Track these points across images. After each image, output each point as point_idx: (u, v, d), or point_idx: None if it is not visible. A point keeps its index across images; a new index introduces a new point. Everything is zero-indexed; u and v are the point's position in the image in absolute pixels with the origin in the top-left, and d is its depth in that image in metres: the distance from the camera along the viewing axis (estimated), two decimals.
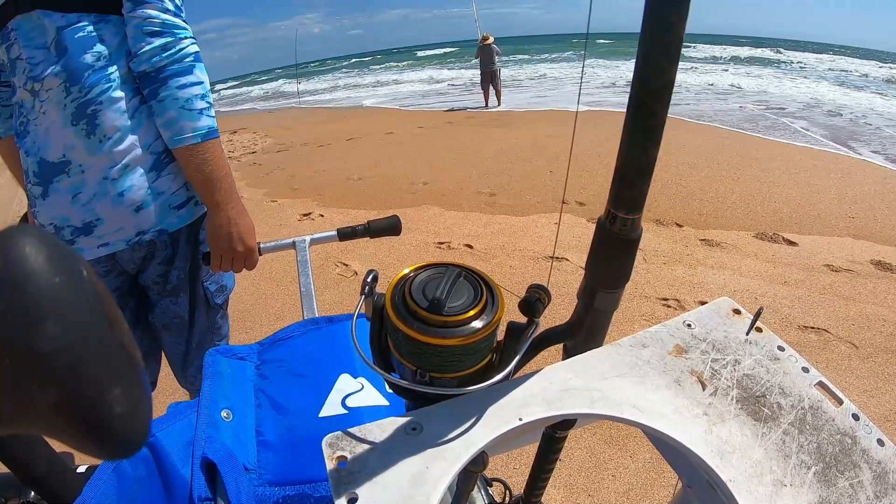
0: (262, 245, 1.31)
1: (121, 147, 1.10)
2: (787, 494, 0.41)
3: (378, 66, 38.21)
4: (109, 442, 0.27)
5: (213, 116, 1.17)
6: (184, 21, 1.12)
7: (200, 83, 1.13)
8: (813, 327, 2.80)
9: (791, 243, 3.83)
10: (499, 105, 12.20)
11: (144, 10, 1.06)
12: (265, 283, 3.65)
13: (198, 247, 1.32)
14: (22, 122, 1.14)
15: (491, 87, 12.13)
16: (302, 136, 9.96)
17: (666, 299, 3.10)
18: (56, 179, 1.10)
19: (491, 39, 11.71)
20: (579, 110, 10.61)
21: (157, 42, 1.07)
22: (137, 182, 1.12)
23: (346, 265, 3.80)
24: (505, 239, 4.11)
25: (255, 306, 3.37)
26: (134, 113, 1.12)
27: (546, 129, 8.47)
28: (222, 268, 1.25)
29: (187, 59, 1.11)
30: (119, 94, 1.10)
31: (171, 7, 1.09)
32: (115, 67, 1.10)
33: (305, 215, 5.07)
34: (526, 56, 30.48)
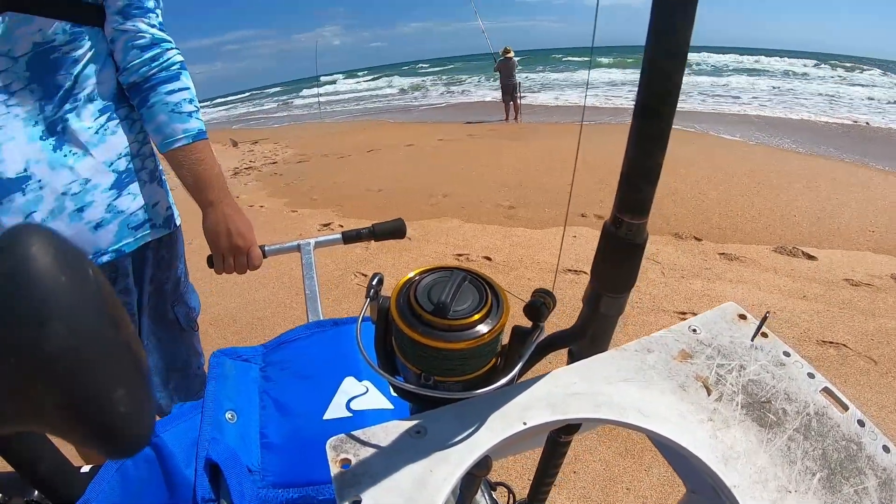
0: (266, 248, 1.31)
1: (83, 163, 1.09)
2: (792, 501, 0.41)
3: (399, 78, 38.47)
4: (113, 441, 0.27)
5: (202, 120, 1.21)
6: (168, 35, 1.18)
7: (188, 88, 1.18)
8: (832, 342, 2.76)
9: (810, 257, 3.80)
10: (518, 118, 12.22)
11: (135, 23, 1.10)
12: (283, 292, 3.69)
13: (163, 273, 1.33)
14: None
15: (511, 101, 12.18)
16: (322, 148, 10.06)
17: (683, 313, 3.08)
18: (8, 198, 1.04)
19: (511, 53, 11.80)
20: (600, 123, 10.56)
21: (147, 54, 1.13)
22: (98, 199, 1.12)
23: (365, 275, 3.82)
24: (523, 251, 4.11)
25: (274, 315, 3.41)
26: (98, 130, 1.12)
27: (566, 142, 8.46)
28: (225, 269, 1.26)
29: (174, 67, 1.17)
30: (87, 111, 1.11)
31: (156, 23, 1.15)
32: (86, 84, 1.10)
33: (325, 225, 5.11)
34: (547, 68, 30.65)
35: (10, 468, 0.68)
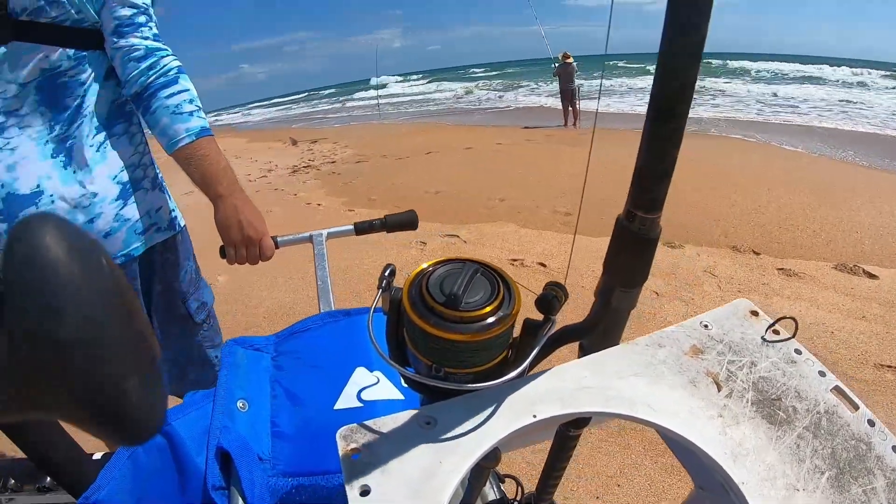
0: (279, 238, 1.32)
1: (90, 178, 1.17)
2: (800, 499, 0.41)
3: (457, 81, 38.38)
4: (124, 429, 0.28)
5: (204, 118, 1.26)
6: (163, 45, 1.23)
7: (187, 90, 1.23)
8: (890, 366, 2.63)
9: (872, 276, 3.65)
10: (577, 124, 12.10)
11: (128, 40, 1.16)
12: (334, 289, 3.61)
13: (171, 273, 1.39)
14: None
15: (570, 106, 12.09)
16: (381, 148, 10.07)
17: None
18: (23, 212, 1.11)
19: (571, 59, 11.71)
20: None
21: (143, 65, 1.18)
22: (106, 210, 1.19)
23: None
24: (578, 259, 3.99)
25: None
26: (99, 147, 1.20)
27: (625, 150, 8.24)
28: (238, 260, 1.27)
29: (171, 73, 1.21)
30: (90, 128, 1.18)
31: (149, 35, 1.20)
32: (89, 103, 1.17)
33: None
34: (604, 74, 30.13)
35: (22, 455, 0.69)
